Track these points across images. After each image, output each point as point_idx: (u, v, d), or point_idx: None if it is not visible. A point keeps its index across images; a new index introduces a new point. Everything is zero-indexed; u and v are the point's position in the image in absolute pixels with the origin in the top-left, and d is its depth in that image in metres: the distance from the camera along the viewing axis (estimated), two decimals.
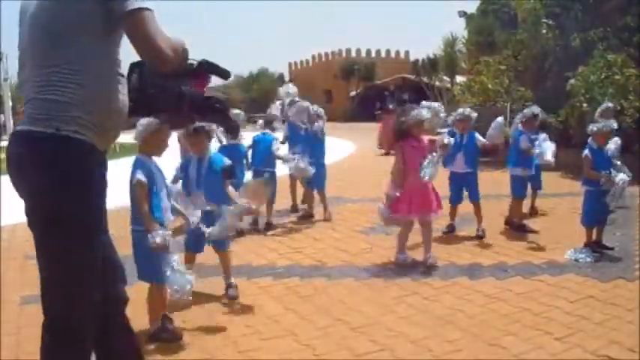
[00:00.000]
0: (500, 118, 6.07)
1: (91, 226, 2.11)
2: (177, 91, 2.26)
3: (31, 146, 2.02)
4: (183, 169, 4.50)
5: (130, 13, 1.97)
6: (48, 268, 2.10)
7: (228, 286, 4.36)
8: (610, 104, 7.08)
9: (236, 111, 6.69)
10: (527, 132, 6.15)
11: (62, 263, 2.08)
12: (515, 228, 6.15)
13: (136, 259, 3.53)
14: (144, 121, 3.44)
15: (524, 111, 6.46)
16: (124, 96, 2.17)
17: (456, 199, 6.16)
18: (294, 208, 7.62)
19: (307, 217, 7.18)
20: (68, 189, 2.01)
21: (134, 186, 3.43)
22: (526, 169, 6.16)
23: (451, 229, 6.16)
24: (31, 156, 2.03)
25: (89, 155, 2.07)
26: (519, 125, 6.26)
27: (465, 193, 6.16)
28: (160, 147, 3.57)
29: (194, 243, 4.16)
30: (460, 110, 6.23)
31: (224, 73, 2.50)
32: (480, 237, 5.91)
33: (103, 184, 2.16)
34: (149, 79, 2.20)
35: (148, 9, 2.00)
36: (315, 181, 7.07)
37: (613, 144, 5.64)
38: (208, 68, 2.43)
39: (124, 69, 2.21)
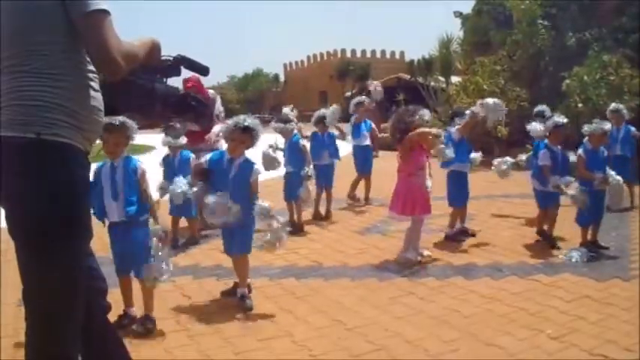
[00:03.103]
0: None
1: (77, 233, 2.04)
2: (148, 87, 2.19)
3: (10, 152, 1.95)
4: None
5: (86, 16, 1.91)
6: (32, 278, 2.03)
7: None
8: (620, 106, 7.09)
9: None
10: (553, 145, 5.45)
11: (47, 273, 2.00)
12: (547, 239, 5.56)
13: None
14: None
15: (547, 123, 5.58)
16: (100, 94, 2.11)
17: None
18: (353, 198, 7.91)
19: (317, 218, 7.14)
20: (51, 195, 1.94)
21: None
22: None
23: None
24: (11, 162, 1.95)
25: (72, 159, 2.00)
26: (545, 138, 5.58)
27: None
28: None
29: None
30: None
31: (202, 70, 2.42)
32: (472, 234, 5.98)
33: (86, 187, 2.10)
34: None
35: (104, 11, 1.93)
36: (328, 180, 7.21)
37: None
38: (185, 64, 2.35)
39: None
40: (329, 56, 43.14)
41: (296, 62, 48.39)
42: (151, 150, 15.52)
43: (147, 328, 3.68)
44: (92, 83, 2.07)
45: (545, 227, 5.60)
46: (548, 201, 5.50)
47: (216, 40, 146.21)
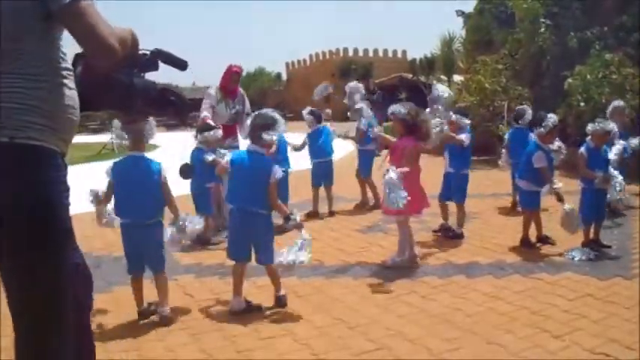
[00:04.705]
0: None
1: (58, 238, 1.98)
2: (126, 83, 2.13)
3: None
4: None
5: (68, 6, 1.82)
6: (14, 284, 1.97)
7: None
8: (620, 102, 7.06)
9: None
10: (546, 145, 5.30)
11: (32, 283, 1.95)
12: (540, 240, 5.49)
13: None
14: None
15: (545, 123, 5.26)
16: (74, 92, 2.04)
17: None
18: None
19: (313, 216, 7.15)
20: (29, 201, 1.88)
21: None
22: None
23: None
24: None
25: (48, 162, 1.94)
26: (537, 138, 5.33)
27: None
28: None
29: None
30: None
31: (180, 64, 2.34)
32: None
33: (65, 190, 2.02)
34: (95, 71, 2.01)
35: None
36: (326, 178, 7.37)
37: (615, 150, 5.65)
38: (162, 58, 2.29)
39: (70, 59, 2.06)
40: (331, 55, 43.04)
41: (298, 61, 48.29)
42: (156, 148, 15.57)
43: (167, 317, 3.87)
44: (67, 81, 2.00)
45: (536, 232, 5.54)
46: (534, 200, 5.44)
47: (217, 39, 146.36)
